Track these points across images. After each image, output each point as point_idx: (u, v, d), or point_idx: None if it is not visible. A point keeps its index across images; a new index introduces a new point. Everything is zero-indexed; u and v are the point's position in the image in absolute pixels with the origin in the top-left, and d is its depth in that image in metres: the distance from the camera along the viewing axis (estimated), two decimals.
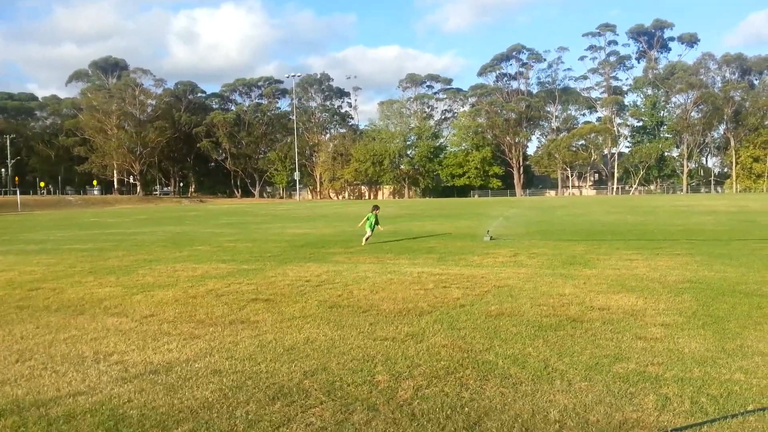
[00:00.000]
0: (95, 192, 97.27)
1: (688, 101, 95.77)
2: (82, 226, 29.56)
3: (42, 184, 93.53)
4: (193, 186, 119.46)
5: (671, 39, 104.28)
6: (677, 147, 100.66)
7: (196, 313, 7.33)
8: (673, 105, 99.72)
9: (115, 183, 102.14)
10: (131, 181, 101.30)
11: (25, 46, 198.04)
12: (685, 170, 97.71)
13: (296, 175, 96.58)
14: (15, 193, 72.36)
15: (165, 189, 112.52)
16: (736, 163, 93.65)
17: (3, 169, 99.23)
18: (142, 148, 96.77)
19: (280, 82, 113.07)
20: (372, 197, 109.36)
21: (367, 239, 15.32)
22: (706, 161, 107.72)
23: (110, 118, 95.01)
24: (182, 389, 4.63)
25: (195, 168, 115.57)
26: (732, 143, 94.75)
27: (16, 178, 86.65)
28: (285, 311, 7.33)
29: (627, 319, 6.60)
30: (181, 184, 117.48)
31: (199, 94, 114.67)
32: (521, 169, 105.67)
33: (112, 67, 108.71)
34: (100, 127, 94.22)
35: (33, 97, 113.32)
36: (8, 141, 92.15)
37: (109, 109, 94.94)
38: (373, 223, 15.63)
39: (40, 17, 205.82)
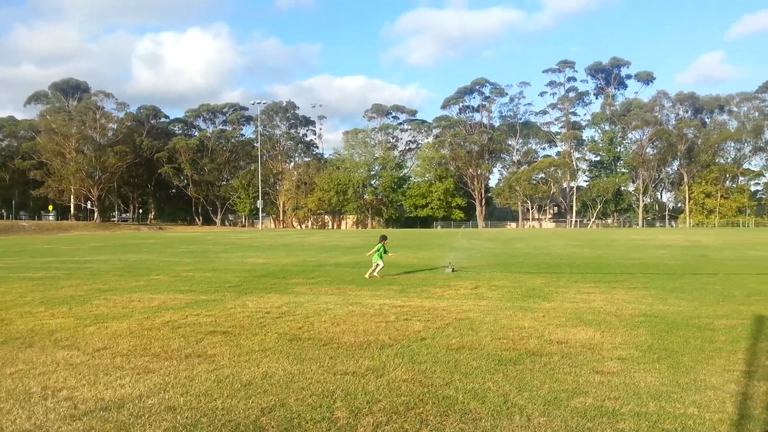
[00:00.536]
0: (50, 217, 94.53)
1: (644, 137, 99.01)
2: (35, 253, 28.64)
3: None
4: (153, 213, 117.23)
5: (628, 77, 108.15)
6: (633, 182, 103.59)
7: (151, 346, 7.14)
8: (629, 141, 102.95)
9: (72, 208, 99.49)
10: (89, 206, 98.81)
11: None
12: (641, 205, 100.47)
13: (259, 204, 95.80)
14: None
15: (123, 215, 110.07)
16: (689, 199, 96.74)
17: None
18: (101, 173, 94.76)
19: (245, 108, 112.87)
20: (335, 227, 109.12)
21: (378, 271, 14.71)
22: (661, 196, 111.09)
23: (69, 142, 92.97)
24: (134, 427, 4.49)
25: (155, 194, 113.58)
26: (685, 179, 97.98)
27: None
28: (243, 344, 7.20)
29: (585, 352, 6.69)
30: (141, 211, 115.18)
31: (162, 119, 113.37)
32: (483, 200, 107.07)
33: (73, 89, 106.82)
34: (58, 151, 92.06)
35: None
36: None
37: (69, 132, 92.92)
38: (382, 253, 15.11)
39: None
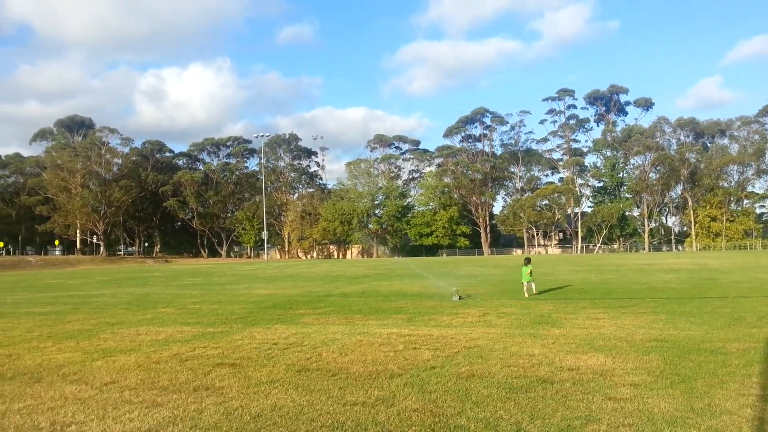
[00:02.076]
0: (57, 252, 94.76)
1: (646, 163, 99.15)
2: (42, 287, 28.66)
3: (1, 244, 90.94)
4: (159, 246, 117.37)
5: (627, 103, 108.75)
6: (638, 207, 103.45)
7: (159, 380, 7.10)
8: (631, 166, 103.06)
9: (78, 243, 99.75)
10: (94, 241, 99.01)
11: None
12: (647, 229, 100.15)
13: (264, 235, 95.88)
14: None
15: (129, 249, 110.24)
16: (695, 222, 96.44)
17: None
18: (106, 208, 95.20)
19: (248, 141, 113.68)
20: (341, 256, 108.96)
21: (528, 287, 16.92)
22: (666, 220, 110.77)
23: (75, 177, 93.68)
24: None
25: (161, 227, 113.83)
26: (690, 203, 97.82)
27: None
28: (252, 376, 7.16)
29: (596, 379, 6.62)
30: (146, 244, 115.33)
31: (167, 153, 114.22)
32: (488, 228, 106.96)
33: (77, 125, 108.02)
34: (63, 186, 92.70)
35: None
36: None
37: (74, 168, 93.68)
38: (528, 274, 17.08)
39: (1, 74, 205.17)
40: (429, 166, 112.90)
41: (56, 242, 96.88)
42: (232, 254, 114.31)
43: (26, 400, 6.28)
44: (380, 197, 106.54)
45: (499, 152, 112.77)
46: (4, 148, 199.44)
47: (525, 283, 17.09)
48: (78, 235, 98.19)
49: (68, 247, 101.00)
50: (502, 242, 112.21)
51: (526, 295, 16.55)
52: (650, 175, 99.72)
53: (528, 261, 17.79)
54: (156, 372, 7.53)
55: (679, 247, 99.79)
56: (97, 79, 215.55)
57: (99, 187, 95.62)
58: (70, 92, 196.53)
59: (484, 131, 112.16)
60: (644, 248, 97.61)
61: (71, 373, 7.60)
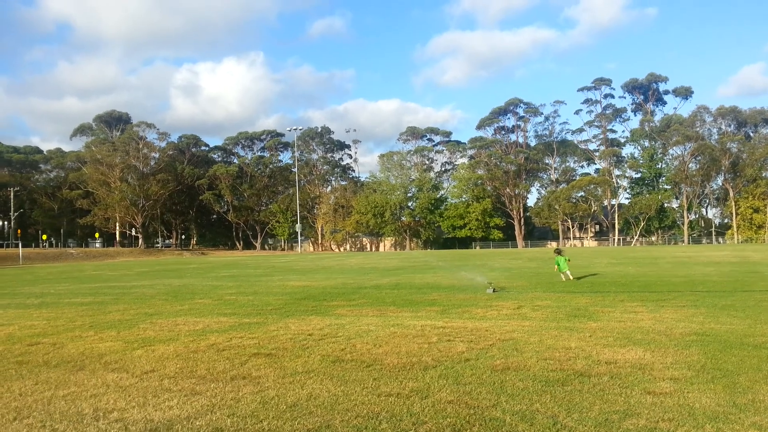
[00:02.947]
0: (97, 244, 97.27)
1: (686, 153, 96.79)
2: (83, 279, 29.45)
3: (44, 236, 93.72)
4: (195, 238, 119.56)
5: (666, 92, 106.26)
6: (677, 198, 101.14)
7: (197, 369, 7.23)
8: (670, 157, 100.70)
9: (117, 235, 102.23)
10: (133, 233, 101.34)
11: (28, 99, 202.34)
12: (686, 221, 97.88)
13: (298, 228, 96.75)
14: (17, 245, 72.38)
15: (167, 241, 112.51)
16: (736, 214, 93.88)
17: (6, 222, 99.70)
18: (144, 201, 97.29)
19: (282, 135, 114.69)
20: (374, 249, 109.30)
21: (566, 275, 19.03)
22: (706, 212, 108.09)
23: (114, 171, 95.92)
24: None
25: (197, 220, 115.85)
26: (731, 194, 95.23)
27: (18, 231, 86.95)
28: (287, 366, 7.23)
29: (635, 373, 6.50)
30: (183, 237, 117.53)
31: (202, 147, 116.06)
32: (522, 220, 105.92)
33: (116, 120, 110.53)
34: (103, 180, 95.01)
35: (38, 150, 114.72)
36: (11, 194, 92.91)
37: (113, 162, 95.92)
38: (562, 262, 19.14)
39: (42, 71, 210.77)
40: (462, 157, 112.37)
41: (96, 235, 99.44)
42: (266, 247, 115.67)
43: (70, 387, 6.47)
44: (413, 190, 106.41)
45: (533, 143, 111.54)
46: (45, 144, 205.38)
47: (565, 272, 19.04)
48: (117, 227, 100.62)
49: (108, 240, 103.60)
50: (537, 235, 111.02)
51: (570, 278, 18.86)
52: (690, 166, 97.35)
53: (559, 251, 19.77)
54: (194, 361, 7.67)
55: (720, 240, 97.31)
56: (133, 75, 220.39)
57: (137, 180, 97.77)
58: (107, 88, 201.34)
59: (518, 122, 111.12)
60: (683, 241, 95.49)
61: (112, 362, 7.79)
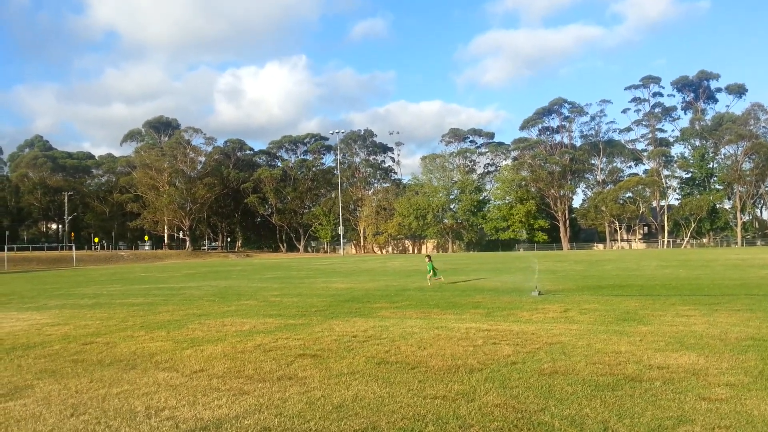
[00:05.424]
0: (146, 247, 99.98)
1: (739, 152, 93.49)
2: (134, 280, 30.29)
3: (96, 239, 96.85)
4: (240, 241, 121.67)
5: (718, 90, 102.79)
6: (729, 199, 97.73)
7: (244, 369, 7.34)
8: (722, 156, 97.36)
9: (166, 238, 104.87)
10: (181, 236, 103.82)
11: (78, 106, 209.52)
12: (739, 222, 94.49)
13: (340, 230, 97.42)
14: (71, 248, 74.99)
15: (213, 244, 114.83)
16: None
17: (60, 225, 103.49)
18: (191, 204, 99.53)
19: (325, 138, 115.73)
20: (416, 251, 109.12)
21: (432, 279, 20.05)
22: (761, 213, 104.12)
23: (162, 176, 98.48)
24: None
25: (242, 223, 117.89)
26: None
27: (72, 234, 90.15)
28: (332, 367, 7.28)
29: (688, 378, 6.30)
30: (229, 239, 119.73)
31: (247, 151, 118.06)
32: (567, 222, 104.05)
33: (164, 126, 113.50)
34: (152, 184, 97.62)
35: (90, 156, 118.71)
36: (66, 198, 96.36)
37: (162, 167, 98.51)
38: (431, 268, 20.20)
39: (90, 78, 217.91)
40: (505, 159, 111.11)
41: (146, 237, 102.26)
42: (309, 249, 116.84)
43: (123, 386, 6.65)
44: (455, 191, 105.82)
45: (578, 143, 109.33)
46: (94, 149, 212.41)
47: (437, 277, 20.30)
48: (165, 230, 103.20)
49: (157, 242, 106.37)
50: (583, 237, 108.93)
51: (442, 280, 20.49)
52: (743, 165, 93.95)
53: (429, 257, 21.35)
54: (241, 361, 7.79)
55: None
56: (179, 81, 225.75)
57: (184, 184, 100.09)
58: (153, 94, 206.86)
59: (563, 122, 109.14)
60: (736, 242, 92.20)
61: (163, 361, 7.98)
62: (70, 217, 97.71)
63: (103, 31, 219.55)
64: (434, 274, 20.26)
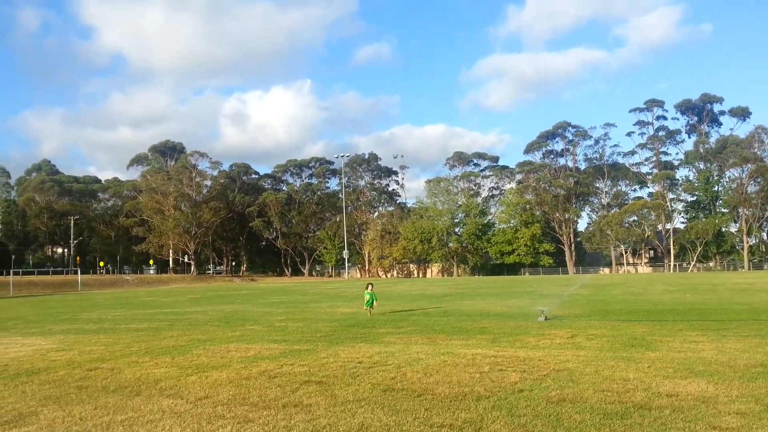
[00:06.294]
0: (151, 271, 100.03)
1: (744, 175, 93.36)
2: (138, 305, 30.25)
3: (102, 263, 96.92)
4: (245, 265, 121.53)
5: (722, 113, 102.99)
6: (735, 222, 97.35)
7: (249, 396, 7.29)
8: (727, 179, 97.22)
9: (171, 262, 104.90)
10: (186, 260, 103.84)
11: (85, 130, 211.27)
12: (745, 246, 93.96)
13: (345, 254, 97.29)
14: (76, 272, 75.05)
15: (218, 268, 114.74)
16: None
17: (66, 249, 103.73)
18: (197, 228, 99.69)
19: (330, 162, 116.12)
20: (421, 275, 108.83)
21: (369, 310, 18.71)
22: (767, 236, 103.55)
23: (168, 200, 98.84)
24: None
25: (247, 247, 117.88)
26: None
27: (78, 258, 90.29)
28: (338, 394, 7.22)
29: (698, 406, 6.23)
30: (233, 263, 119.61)
31: (252, 175, 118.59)
32: (572, 246, 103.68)
33: (170, 150, 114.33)
34: (158, 208, 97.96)
35: (96, 180, 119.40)
36: (72, 222, 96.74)
37: (167, 191, 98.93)
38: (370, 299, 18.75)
39: (97, 102, 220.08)
40: (509, 182, 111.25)
41: (150, 262, 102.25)
42: (314, 273, 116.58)
43: (127, 413, 6.61)
44: (460, 215, 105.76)
45: (582, 167, 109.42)
46: (101, 172, 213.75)
47: (368, 308, 18.76)
48: (171, 254, 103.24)
49: (162, 266, 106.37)
50: (588, 260, 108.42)
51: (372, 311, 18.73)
52: (748, 188, 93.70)
53: (371, 285, 19.70)
54: (246, 388, 7.74)
55: None
56: (184, 105, 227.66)
57: (190, 208, 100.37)
58: (159, 118, 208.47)
59: (567, 146, 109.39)
60: (743, 266, 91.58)
61: (167, 388, 7.94)
62: (75, 241, 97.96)
63: (110, 56, 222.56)
64: (369, 304, 18.75)
